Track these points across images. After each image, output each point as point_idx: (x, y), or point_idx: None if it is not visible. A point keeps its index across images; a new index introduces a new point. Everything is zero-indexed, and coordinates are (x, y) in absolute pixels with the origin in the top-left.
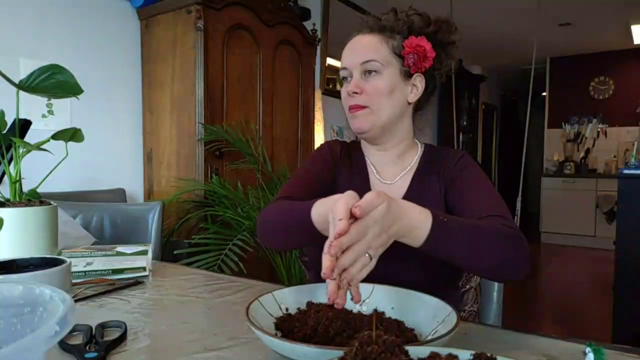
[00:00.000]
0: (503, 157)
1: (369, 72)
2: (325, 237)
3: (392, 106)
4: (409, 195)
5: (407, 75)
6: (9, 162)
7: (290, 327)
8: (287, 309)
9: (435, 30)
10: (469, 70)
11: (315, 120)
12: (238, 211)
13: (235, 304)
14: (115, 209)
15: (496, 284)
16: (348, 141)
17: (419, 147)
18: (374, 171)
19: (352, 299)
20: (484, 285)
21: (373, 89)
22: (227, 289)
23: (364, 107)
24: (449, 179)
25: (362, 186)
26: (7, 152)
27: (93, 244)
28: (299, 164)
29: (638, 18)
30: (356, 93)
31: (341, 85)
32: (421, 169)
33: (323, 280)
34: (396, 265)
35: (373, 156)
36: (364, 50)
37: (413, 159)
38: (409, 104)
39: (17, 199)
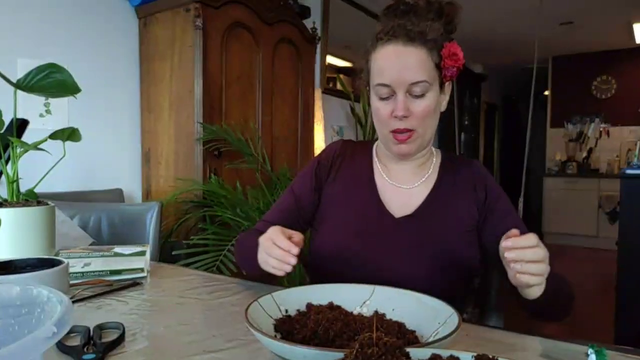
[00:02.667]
0: (505, 157)
1: (416, 92)
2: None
3: (434, 123)
4: (429, 203)
5: (442, 85)
6: (6, 162)
7: (289, 328)
8: (286, 311)
9: (448, 21)
10: (470, 69)
11: (315, 120)
12: (237, 211)
13: (234, 305)
14: (113, 209)
15: (497, 284)
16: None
17: (434, 152)
18: (384, 176)
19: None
20: (484, 287)
21: (422, 111)
22: (225, 290)
23: (412, 131)
24: (482, 202)
25: (368, 192)
26: (5, 151)
27: (91, 244)
28: (298, 164)
29: None
30: (405, 117)
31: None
32: (442, 178)
33: (322, 282)
34: (413, 271)
35: (390, 161)
36: (411, 67)
37: (431, 166)
38: (441, 112)
39: (15, 199)
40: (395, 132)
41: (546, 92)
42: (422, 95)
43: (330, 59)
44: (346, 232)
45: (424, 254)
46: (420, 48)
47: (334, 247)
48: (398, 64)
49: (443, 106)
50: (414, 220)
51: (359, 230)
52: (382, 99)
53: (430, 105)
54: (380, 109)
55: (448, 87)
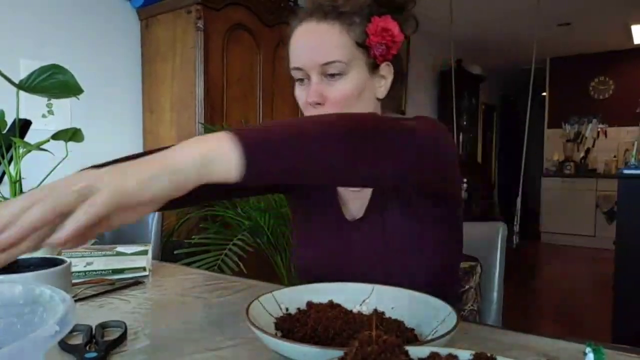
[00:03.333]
0: (503, 157)
1: (332, 74)
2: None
3: (363, 108)
4: (377, 201)
5: (374, 67)
6: (9, 162)
7: (290, 327)
8: (287, 309)
9: None
10: (468, 70)
11: None
12: (238, 211)
13: (235, 304)
14: None
15: (496, 284)
16: None
17: None
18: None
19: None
20: (484, 285)
21: (339, 95)
22: (227, 289)
23: None
24: None
25: (328, 196)
26: (7, 152)
27: (93, 244)
28: None
29: (638, 18)
30: (319, 104)
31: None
32: None
33: (319, 280)
34: (373, 276)
35: None
36: (322, 46)
37: None
38: (379, 100)
39: None
40: None
41: (544, 93)
42: (338, 78)
43: None
44: (312, 244)
45: (380, 257)
46: (333, 24)
47: (303, 261)
48: (309, 43)
49: (381, 92)
50: (365, 223)
51: (321, 240)
52: (299, 85)
53: (350, 89)
54: (298, 96)
55: (387, 70)
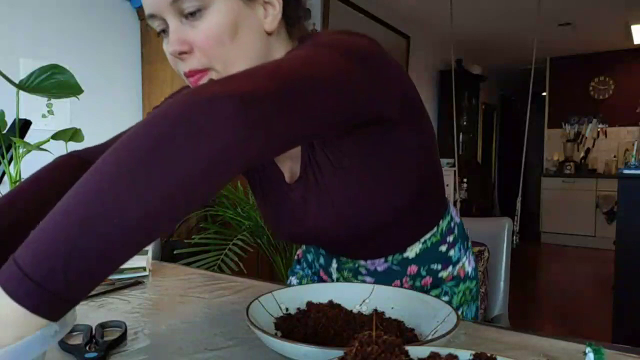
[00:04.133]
0: (503, 157)
1: (191, 13)
2: None
3: (246, 49)
4: (310, 157)
5: None
6: (9, 162)
7: (290, 327)
8: (287, 309)
9: None
10: (468, 70)
11: None
12: (238, 211)
13: (235, 303)
14: None
15: (502, 274)
16: None
17: None
18: None
19: None
20: (492, 276)
21: (204, 38)
22: (227, 288)
23: (205, 71)
24: None
25: (270, 162)
26: (7, 152)
27: None
28: None
29: (638, 18)
30: (185, 53)
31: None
32: None
33: (317, 280)
34: (320, 234)
35: None
36: None
37: None
38: (270, 34)
39: None
40: (187, 75)
41: (544, 93)
42: (200, 16)
43: None
44: (268, 215)
45: (328, 212)
46: None
47: (270, 229)
48: None
49: (269, 24)
50: (302, 182)
51: (271, 208)
52: (164, 38)
53: (217, 27)
54: (165, 51)
55: None
